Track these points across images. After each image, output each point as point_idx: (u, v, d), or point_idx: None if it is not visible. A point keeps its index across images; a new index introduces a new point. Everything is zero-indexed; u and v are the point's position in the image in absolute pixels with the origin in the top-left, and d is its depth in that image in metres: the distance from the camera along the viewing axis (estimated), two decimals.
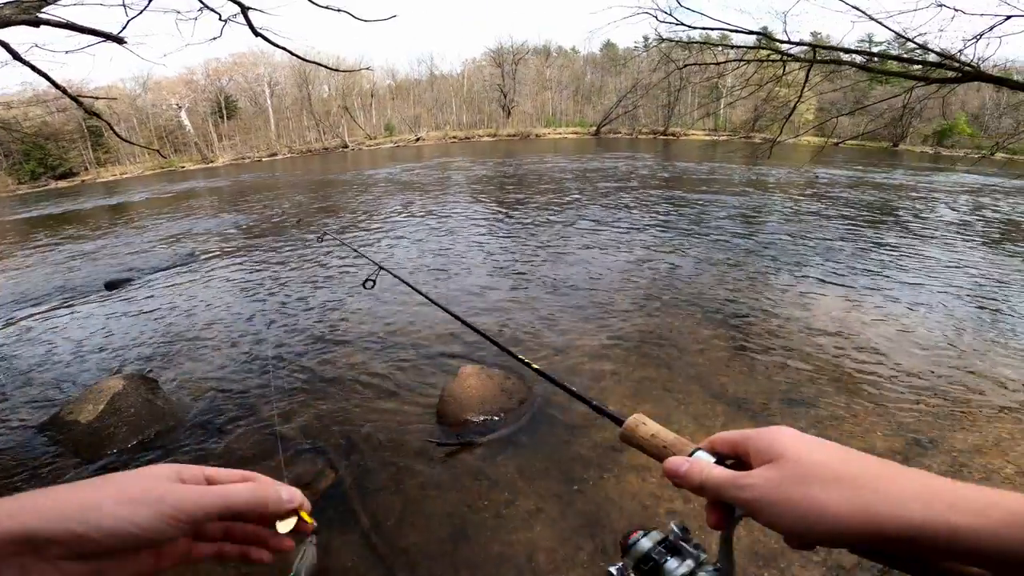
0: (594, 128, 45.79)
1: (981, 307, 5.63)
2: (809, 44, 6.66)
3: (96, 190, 27.93)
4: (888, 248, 7.95)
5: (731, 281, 6.40)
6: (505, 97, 49.60)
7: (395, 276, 1.85)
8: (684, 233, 8.95)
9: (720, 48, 7.61)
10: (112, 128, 5.64)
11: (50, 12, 4.18)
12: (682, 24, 6.89)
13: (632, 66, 46.53)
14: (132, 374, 4.26)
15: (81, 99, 5.38)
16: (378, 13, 5.94)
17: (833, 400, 3.75)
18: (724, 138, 39.07)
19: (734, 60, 7.70)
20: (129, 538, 0.36)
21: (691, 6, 7.02)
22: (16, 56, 4.38)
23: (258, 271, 7.82)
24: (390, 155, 33.88)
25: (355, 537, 2.67)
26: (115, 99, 35.12)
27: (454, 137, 46.31)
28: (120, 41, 4.64)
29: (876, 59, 6.35)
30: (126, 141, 7.39)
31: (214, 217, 13.73)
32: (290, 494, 0.45)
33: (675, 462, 0.46)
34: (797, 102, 6.83)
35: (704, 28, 6.74)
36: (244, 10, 4.72)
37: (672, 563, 0.46)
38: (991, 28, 4.76)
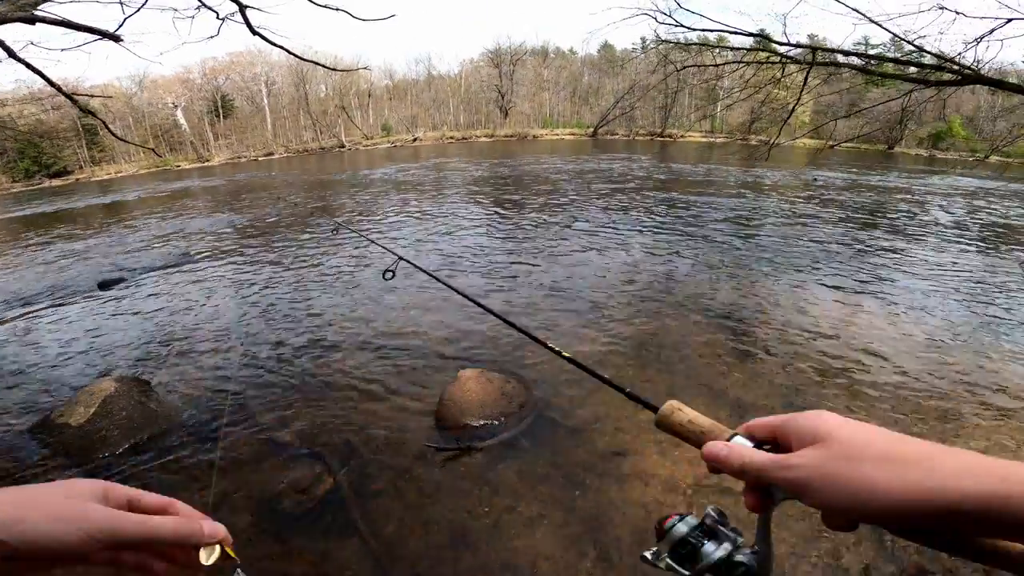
0: (591, 129, 45.83)
1: (980, 310, 5.63)
2: (808, 46, 6.67)
3: (90, 189, 27.72)
4: (886, 251, 7.96)
5: (729, 283, 6.38)
6: (503, 98, 49.59)
7: (416, 267, 1.83)
8: (681, 235, 8.93)
9: (718, 50, 7.61)
10: (107, 126, 5.59)
11: (46, 9, 4.12)
12: (681, 26, 6.85)
13: (630, 68, 46.62)
14: (124, 376, 4.20)
15: (76, 97, 5.32)
16: (377, 12, 5.89)
17: (834, 404, 3.73)
18: (721, 140, 39.16)
19: (733, 62, 7.70)
20: (51, 553, 0.38)
21: (691, 7, 7.01)
22: (11, 54, 4.32)
23: (253, 271, 7.75)
24: (387, 155, 33.80)
25: (354, 543, 2.63)
26: (111, 97, 34.85)
27: (451, 137, 46.27)
28: (117, 39, 4.58)
29: (875, 62, 6.33)
30: (121, 140, 7.31)
31: (209, 216, 13.64)
32: (212, 529, 0.47)
33: (715, 446, 0.46)
34: (795, 104, 6.83)
35: (703, 30, 6.71)
36: (242, 8, 4.67)
37: (709, 546, 0.46)
38: (991, 31, 4.75)
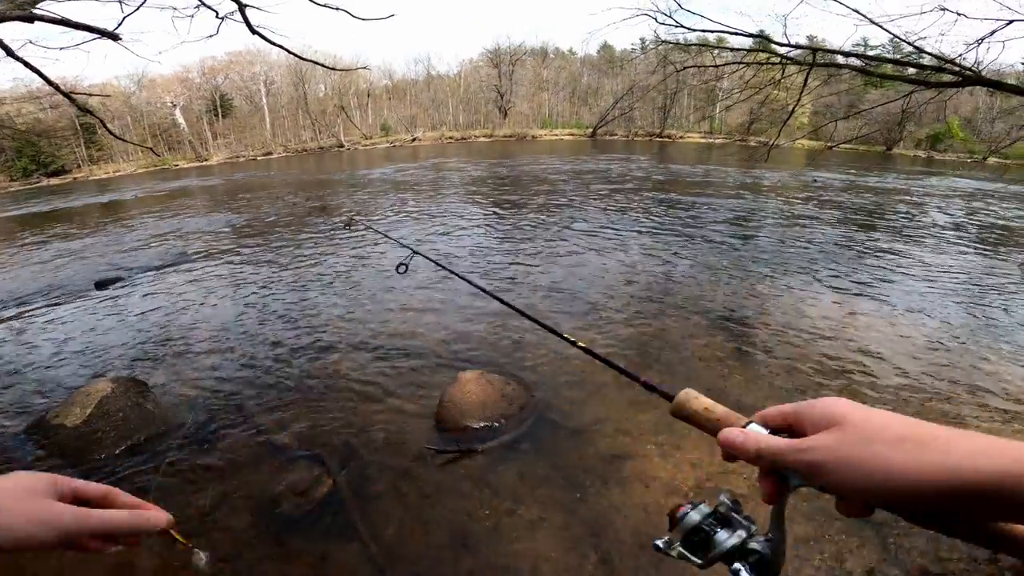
0: (590, 130, 45.81)
1: (979, 312, 5.62)
2: (808, 47, 6.66)
3: (88, 188, 27.63)
4: (885, 253, 7.96)
5: (728, 285, 6.37)
6: (502, 98, 49.56)
7: (429, 260, 1.83)
8: (680, 236, 8.92)
9: (718, 51, 7.60)
10: (105, 125, 5.56)
11: (45, 8, 4.10)
12: (682, 26, 6.84)
13: (629, 68, 46.65)
14: (121, 377, 4.17)
15: (74, 96, 5.30)
16: (376, 12, 5.87)
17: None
18: (720, 141, 39.20)
19: (733, 63, 7.69)
20: (26, 548, 0.45)
21: (691, 8, 6.99)
22: (10, 52, 4.29)
23: (251, 271, 7.72)
24: (386, 155, 33.75)
25: (353, 546, 2.61)
26: (109, 96, 34.75)
27: (450, 137, 46.21)
28: (115, 38, 4.56)
29: (876, 63, 6.33)
30: (119, 139, 7.28)
31: (206, 216, 13.59)
32: (158, 518, 0.53)
33: (731, 432, 0.46)
34: (795, 106, 6.83)
35: (704, 31, 6.69)
36: (242, 7, 4.65)
37: (723, 534, 0.46)
38: (992, 32, 4.75)
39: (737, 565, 0.45)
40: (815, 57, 6.14)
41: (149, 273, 8.01)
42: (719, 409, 0.52)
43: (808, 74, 6.13)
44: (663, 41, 7.76)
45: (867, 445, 0.37)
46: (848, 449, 0.38)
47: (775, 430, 0.45)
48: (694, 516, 0.48)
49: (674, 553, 0.48)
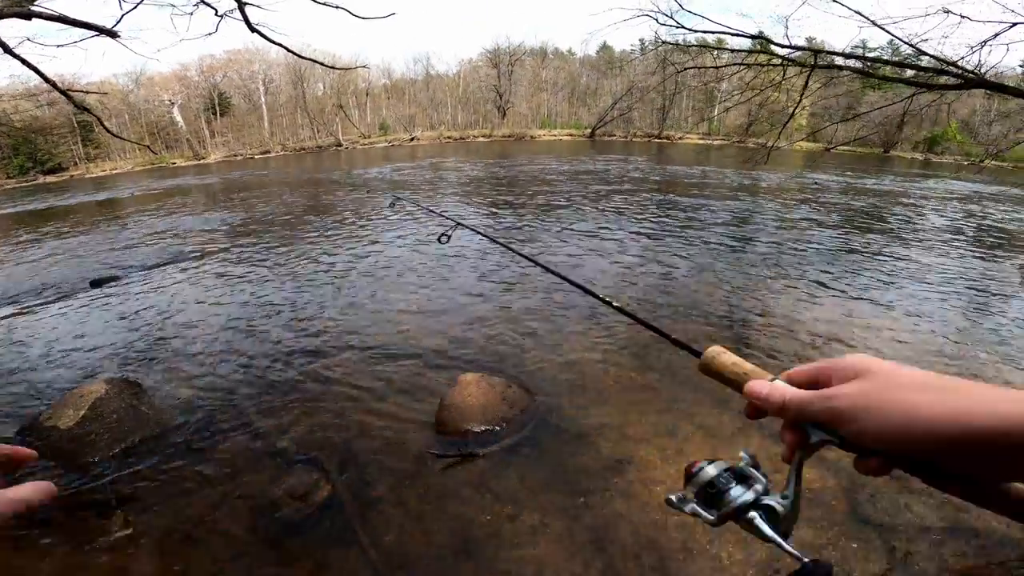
0: (589, 130, 45.82)
1: (978, 314, 5.62)
2: (810, 49, 6.65)
3: (85, 185, 27.50)
4: (883, 255, 7.95)
5: (727, 287, 6.34)
6: (501, 98, 49.53)
7: (473, 230, 1.84)
8: (678, 237, 8.91)
9: (717, 52, 7.58)
10: (102, 123, 5.51)
11: (42, 5, 4.05)
12: (683, 27, 6.82)
13: (628, 69, 46.67)
14: (116, 377, 4.11)
15: (71, 93, 5.24)
16: (376, 11, 5.83)
17: None
18: (718, 142, 39.26)
19: (735, 64, 7.68)
20: None
21: (692, 9, 6.96)
22: (7, 50, 4.24)
23: (249, 270, 7.66)
24: (384, 154, 33.68)
25: (352, 552, 2.57)
26: (106, 93, 34.58)
27: (449, 137, 46.15)
28: (114, 35, 4.51)
29: (878, 65, 6.32)
30: (116, 136, 7.22)
31: (204, 214, 13.51)
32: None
33: (757, 384, 0.47)
34: (796, 108, 6.81)
35: (705, 31, 6.66)
36: (241, 5, 4.61)
37: (737, 490, 0.46)
38: (995, 35, 4.74)
39: (752, 513, 0.44)
40: (816, 59, 6.13)
41: (145, 272, 7.95)
42: (747, 365, 0.52)
43: (809, 76, 6.11)
44: (664, 42, 7.75)
45: (890, 391, 0.38)
46: (874, 395, 0.38)
47: (801, 387, 0.46)
48: (710, 470, 0.48)
49: (687, 509, 0.48)
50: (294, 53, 6.07)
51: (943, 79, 5.21)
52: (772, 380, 0.48)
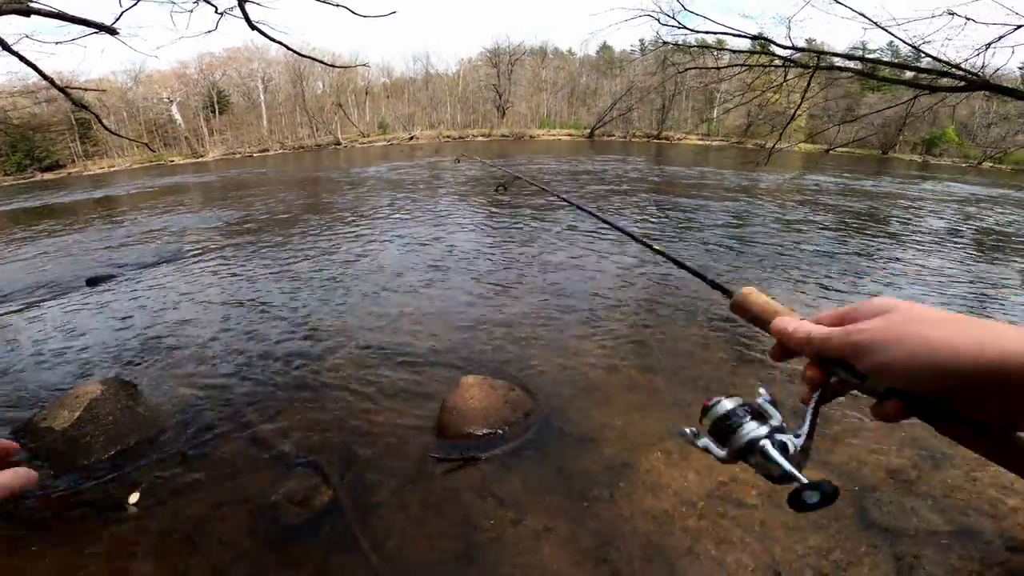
0: (588, 130, 45.80)
1: (976, 315, 5.59)
2: (811, 50, 6.64)
3: (83, 183, 27.36)
4: (881, 257, 7.95)
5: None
6: (500, 97, 49.49)
7: (529, 182, 1.82)
8: (676, 238, 8.89)
9: (718, 53, 7.56)
10: (100, 120, 5.45)
11: (41, 1, 4.00)
12: (685, 28, 6.79)
13: (628, 70, 46.68)
14: (111, 378, 4.05)
15: (70, 90, 5.18)
16: (376, 9, 5.79)
17: (845, 413, 3.67)
18: (718, 143, 39.29)
19: (737, 65, 7.65)
20: None
21: (694, 10, 6.94)
22: (6, 47, 4.19)
23: (247, 269, 7.61)
24: (383, 153, 33.60)
25: (353, 558, 2.53)
26: (104, 91, 34.54)
27: (448, 136, 46.08)
28: (113, 32, 4.46)
29: (880, 67, 6.30)
30: (114, 134, 7.16)
31: (202, 212, 13.45)
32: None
33: (784, 319, 0.49)
34: (797, 109, 6.79)
35: (707, 32, 6.62)
36: (241, 2, 4.57)
37: (751, 424, 0.45)
38: (1000, 38, 4.72)
39: (764, 442, 0.44)
40: (818, 60, 6.11)
41: (143, 270, 7.89)
42: (776, 304, 0.53)
43: (811, 77, 6.09)
44: (665, 42, 7.72)
45: (911, 324, 0.38)
46: (892, 328, 0.39)
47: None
48: (726, 403, 0.47)
49: (699, 444, 0.48)
50: (294, 51, 6.02)
51: (945, 81, 5.19)
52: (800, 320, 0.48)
